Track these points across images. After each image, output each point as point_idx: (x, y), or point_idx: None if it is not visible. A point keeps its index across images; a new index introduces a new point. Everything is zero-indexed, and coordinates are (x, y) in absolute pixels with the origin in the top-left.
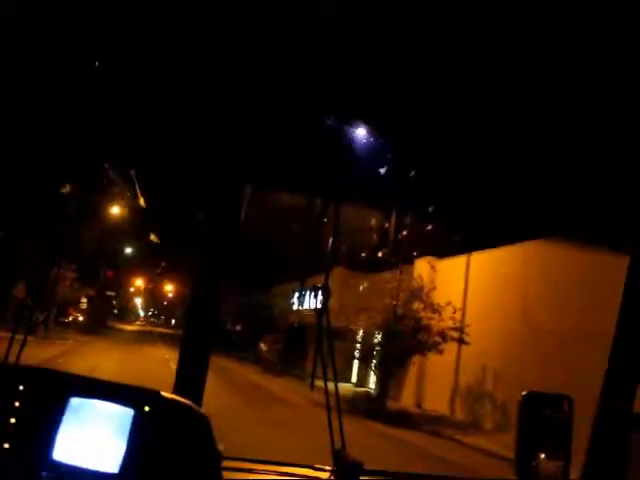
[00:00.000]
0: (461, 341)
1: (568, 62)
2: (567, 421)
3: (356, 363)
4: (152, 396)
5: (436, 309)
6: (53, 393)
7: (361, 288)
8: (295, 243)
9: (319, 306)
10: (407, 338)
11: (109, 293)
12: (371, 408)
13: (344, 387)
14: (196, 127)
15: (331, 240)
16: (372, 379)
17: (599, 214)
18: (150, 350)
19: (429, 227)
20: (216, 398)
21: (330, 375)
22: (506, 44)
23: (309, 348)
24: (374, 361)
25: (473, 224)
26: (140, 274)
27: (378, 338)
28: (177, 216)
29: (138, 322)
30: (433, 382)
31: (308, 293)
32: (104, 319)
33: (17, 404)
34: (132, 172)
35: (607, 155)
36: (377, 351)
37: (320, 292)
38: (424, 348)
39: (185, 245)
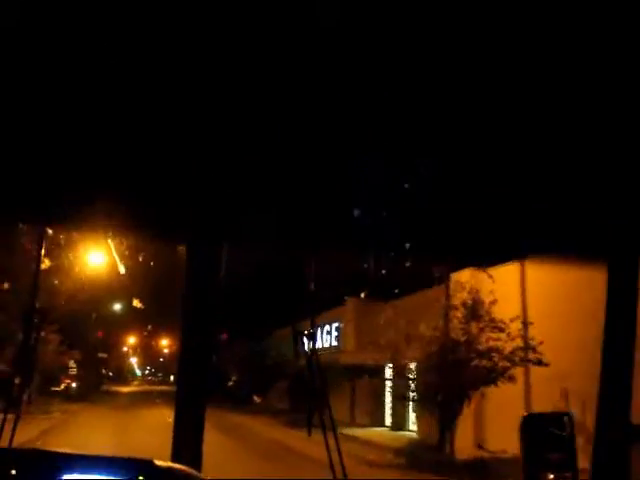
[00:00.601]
0: (538, 363)
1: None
2: (570, 438)
3: (388, 404)
4: (145, 466)
5: (501, 327)
6: (45, 474)
7: (383, 318)
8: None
9: (331, 344)
10: (469, 367)
11: (101, 355)
12: (434, 459)
13: (378, 432)
14: (170, 188)
15: (312, 285)
16: (411, 420)
17: None
18: (150, 413)
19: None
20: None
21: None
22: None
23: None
24: (411, 396)
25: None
26: (132, 333)
27: (413, 372)
28: (157, 281)
29: (135, 382)
30: (496, 416)
31: (319, 331)
32: (98, 383)
33: None
34: (109, 240)
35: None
36: (426, 387)
37: (304, 337)
38: (494, 377)
39: (170, 307)
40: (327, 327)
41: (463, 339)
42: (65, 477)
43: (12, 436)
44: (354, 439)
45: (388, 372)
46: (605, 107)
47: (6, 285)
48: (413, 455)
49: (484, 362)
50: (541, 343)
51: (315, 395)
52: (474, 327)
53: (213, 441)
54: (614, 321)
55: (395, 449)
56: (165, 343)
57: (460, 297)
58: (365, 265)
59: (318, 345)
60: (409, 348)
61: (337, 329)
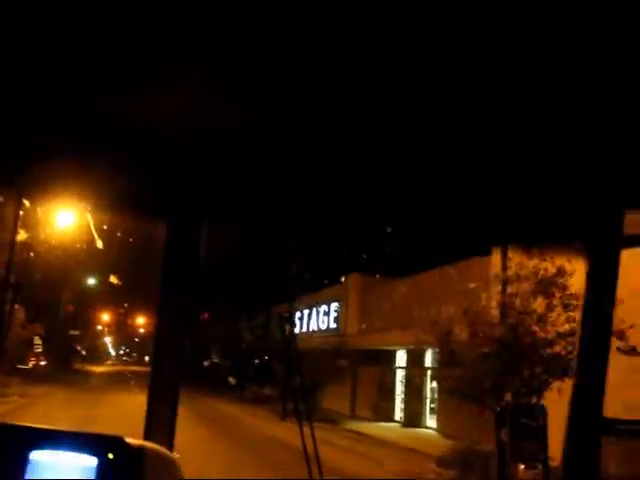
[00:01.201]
0: (632, 351)
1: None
2: (542, 429)
3: (399, 395)
4: (115, 443)
5: (575, 304)
6: (12, 448)
7: (400, 296)
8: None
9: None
10: (544, 353)
11: (72, 332)
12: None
13: (388, 428)
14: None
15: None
16: (428, 417)
17: None
18: (123, 397)
19: None
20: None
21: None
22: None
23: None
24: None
25: None
26: (107, 310)
27: (428, 358)
28: (135, 258)
29: (109, 362)
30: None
31: (315, 312)
32: (69, 362)
33: None
34: (88, 215)
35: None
36: (475, 379)
37: (284, 321)
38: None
39: (148, 286)
40: (324, 307)
41: (532, 318)
42: (34, 452)
43: None
44: (362, 437)
45: (400, 358)
46: (585, 93)
47: None
48: (466, 467)
49: (559, 348)
50: (631, 327)
51: (290, 381)
52: (541, 304)
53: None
54: (590, 312)
55: (427, 454)
56: (141, 322)
57: (526, 266)
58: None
59: (313, 327)
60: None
61: (335, 309)
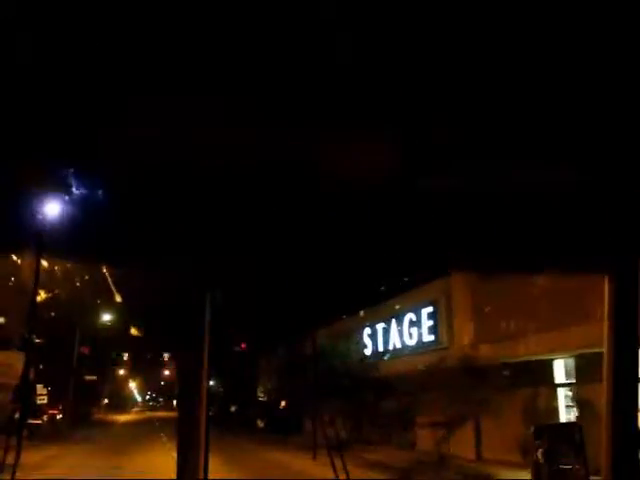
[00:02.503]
0: None
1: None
2: (580, 448)
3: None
4: None
5: None
6: None
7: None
8: None
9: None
10: None
11: (89, 378)
12: None
13: None
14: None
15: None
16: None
17: None
18: (152, 456)
19: None
20: None
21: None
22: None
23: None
24: None
25: None
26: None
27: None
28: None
29: (135, 409)
30: None
31: (394, 325)
32: (88, 413)
33: None
34: (104, 270)
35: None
36: None
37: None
38: None
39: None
40: (410, 316)
41: None
42: None
43: (13, 473)
44: None
45: (560, 370)
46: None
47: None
48: None
49: None
50: None
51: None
52: None
53: None
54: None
55: None
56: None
57: None
58: None
59: (394, 344)
60: None
61: (431, 316)
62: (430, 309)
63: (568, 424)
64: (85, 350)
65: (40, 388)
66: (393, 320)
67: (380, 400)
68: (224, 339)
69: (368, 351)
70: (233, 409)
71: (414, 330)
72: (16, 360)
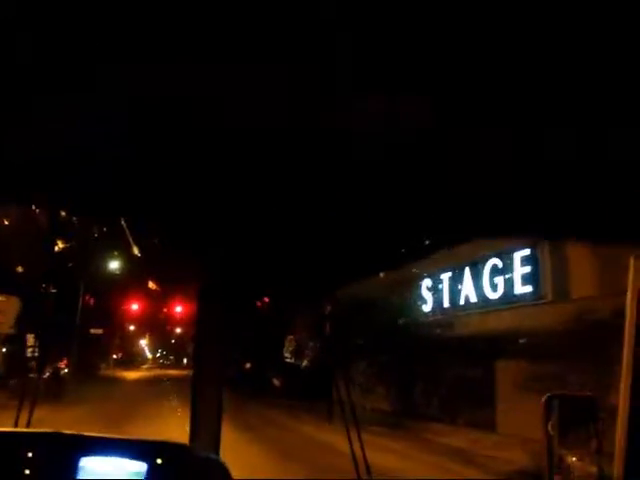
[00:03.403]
0: None
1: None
2: (594, 421)
3: None
4: (164, 448)
5: None
6: (63, 456)
7: None
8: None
9: (512, 291)
10: None
11: (94, 331)
12: None
13: None
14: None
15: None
16: None
17: None
18: (161, 422)
19: None
20: None
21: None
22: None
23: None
24: None
25: None
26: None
27: None
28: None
29: (145, 366)
30: None
31: (468, 274)
32: (95, 367)
33: (27, 472)
34: (122, 222)
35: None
36: None
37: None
38: None
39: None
40: (493, 262)
41: None
42: (84, 459)
43: (29, 419)
44: None
45: None
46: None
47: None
48: None
49: None
50: None
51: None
52: None
53: None
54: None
55: None
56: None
57: None
58: None
59: (465, 297)
60: None
61: (527, 260)
62: (527, 252)
63: (581, 396)
64: (90, 300)
65: (31, 339)
66: (467, 268)
67: (443, 365)
68: (243, 292)
69: (427, 307)
70: (248, 366)
71: (499, 279)
72: (9, 305)
